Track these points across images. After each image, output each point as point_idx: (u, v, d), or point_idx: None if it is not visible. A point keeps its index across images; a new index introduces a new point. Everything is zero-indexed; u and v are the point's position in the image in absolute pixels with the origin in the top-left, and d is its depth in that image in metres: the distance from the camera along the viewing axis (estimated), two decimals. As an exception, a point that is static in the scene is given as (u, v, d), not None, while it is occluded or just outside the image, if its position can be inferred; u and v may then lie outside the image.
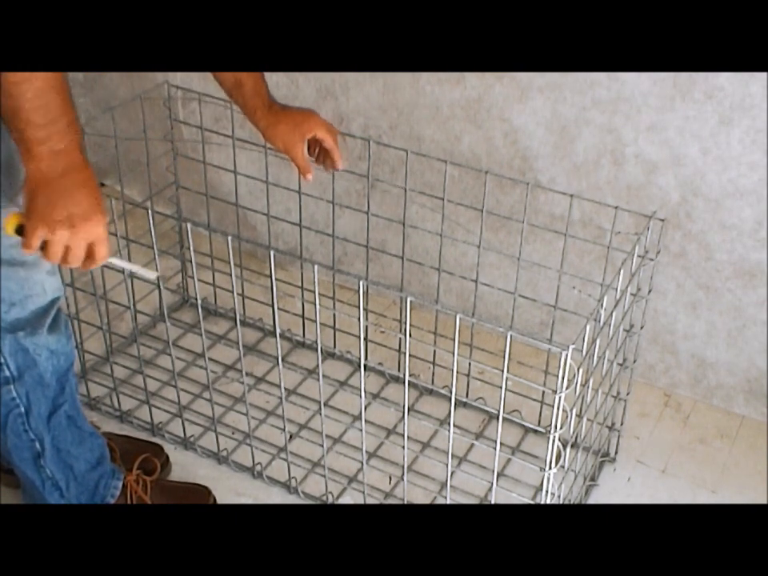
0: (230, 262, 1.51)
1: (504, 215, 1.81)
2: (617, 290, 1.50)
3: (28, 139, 1.12)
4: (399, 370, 1.98)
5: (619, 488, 1.77)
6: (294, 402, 1.91)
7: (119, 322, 2.04)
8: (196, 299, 1.62)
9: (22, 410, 1.43)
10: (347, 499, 1.73)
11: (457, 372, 1.40)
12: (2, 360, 1.38)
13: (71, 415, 1.50)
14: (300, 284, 1.95)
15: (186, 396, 1.89)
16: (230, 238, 1.47)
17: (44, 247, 1.18)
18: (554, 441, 1.38)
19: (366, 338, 1.83)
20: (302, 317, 2.03)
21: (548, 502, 1.45)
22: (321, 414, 1.61)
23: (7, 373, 1.40)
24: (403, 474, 1.61)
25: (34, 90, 1.09)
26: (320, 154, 1.61)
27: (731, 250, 1.77)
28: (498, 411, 1.41)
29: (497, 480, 1.50)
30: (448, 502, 1.60)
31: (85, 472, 1.55)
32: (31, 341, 1.39)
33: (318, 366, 1.55)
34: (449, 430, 1.47)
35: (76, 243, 1.17)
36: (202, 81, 2.02)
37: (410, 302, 1.38)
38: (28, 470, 1.50)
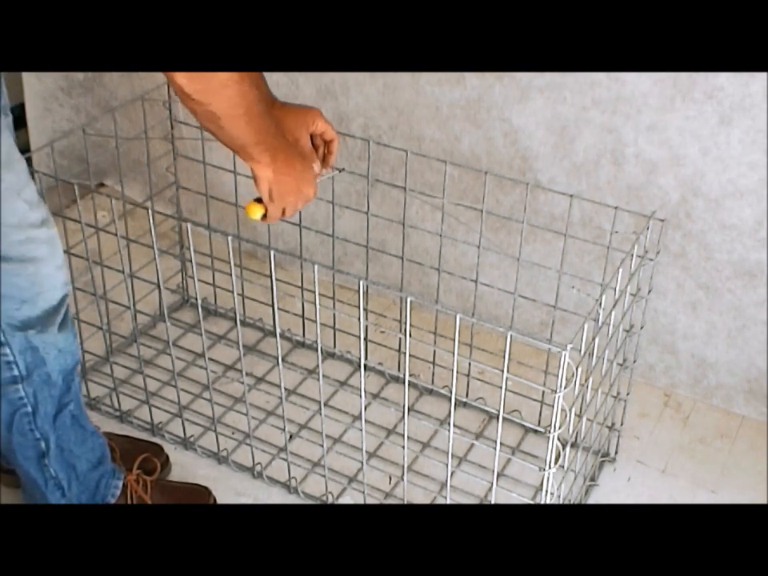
0: (230, 262, 1.51)
1: (504, 215, 1.81)
2: (615, 289, 1.50)
3: (248, 153, 1.33)
4: (399, 370, 1.98)
5: (619, 488, 1.77)
6: (294, 401, 1.91)
7: (119, 321, 2.04)
8: (196, 299, 1.62)
9: (29, 409, 1.43)
10: (347, 499, 1.73)
11: (457, 372, 1.40)
12: (12, 359, 1.38)
13: (75, 414, 1.50)
14: (300, 284, 1.95)
15: (186, 396, 1.89)
16: (229, 238, 1.48)
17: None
18: (553, 441, 1.38)
19: (366, 338, 1.83)
20: (302, 317, 2.03)
21: (548, 501, 1.45)
22: (321, 414, 1.61)
23: (16, 372, 1.39)
24: (403, 474, 1.61)
25: (244, 119, 1.26)
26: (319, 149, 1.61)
27: (731, 250, 1.77)
28: (498, 411, 1.41)
29: (497, 480, 1.50)
30: (448, 501, 1.60)
31: (86, 471, 1.55)
32: (41, 339, 1.39)
33: (318, 366, 1.55)
34: (449, 430, 1.47)
35: (300, 206, 1.46)
36: (202, 81, 2.02)
37: (410, 301, 1.38)
38: (31, 469, 1.50)
